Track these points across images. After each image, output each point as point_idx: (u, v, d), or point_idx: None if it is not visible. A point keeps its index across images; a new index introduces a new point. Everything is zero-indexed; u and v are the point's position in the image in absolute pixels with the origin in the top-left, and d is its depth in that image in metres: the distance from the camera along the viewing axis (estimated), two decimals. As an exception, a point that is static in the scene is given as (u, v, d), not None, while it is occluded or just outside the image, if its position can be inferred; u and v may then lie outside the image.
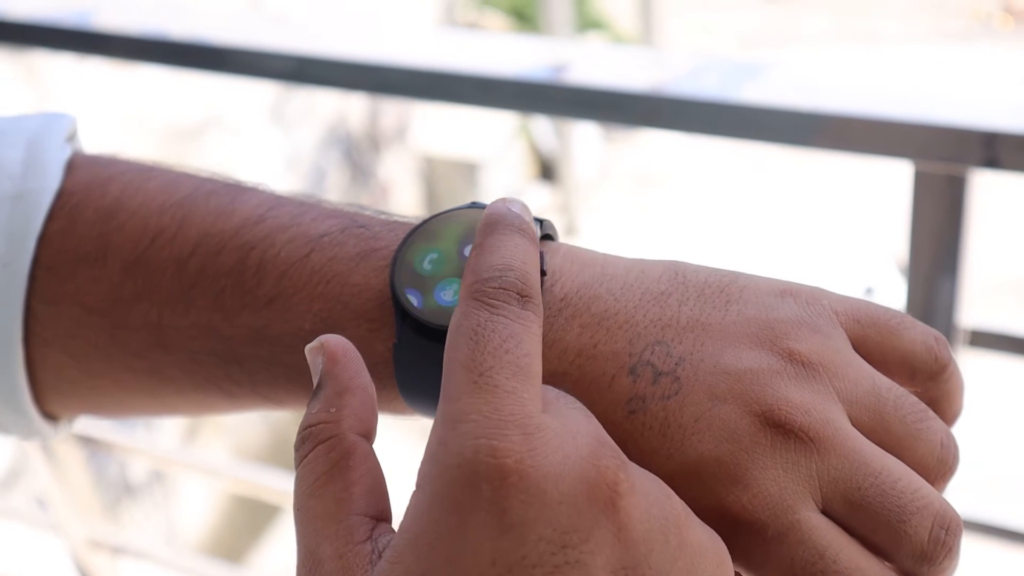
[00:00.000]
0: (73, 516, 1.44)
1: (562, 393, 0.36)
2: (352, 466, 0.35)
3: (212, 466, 1.42)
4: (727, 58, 0.83)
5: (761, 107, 0.77)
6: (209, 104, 4.08)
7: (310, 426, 0.36)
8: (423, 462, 0.33)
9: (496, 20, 6.44)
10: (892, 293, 4.25)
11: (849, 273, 4.65)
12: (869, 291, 4.34)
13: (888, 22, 6.97)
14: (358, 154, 5.20)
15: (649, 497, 0.33)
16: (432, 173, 5.69)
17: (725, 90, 0.79)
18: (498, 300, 0.36)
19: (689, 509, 0.35)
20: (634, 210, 5.99)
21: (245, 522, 4.02)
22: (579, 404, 0.35)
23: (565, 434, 0.33)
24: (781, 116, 0.77)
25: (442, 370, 0.35)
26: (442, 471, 0.32)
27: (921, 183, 0.77)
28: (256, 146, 4.43)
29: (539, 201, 6.11)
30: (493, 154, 5.66)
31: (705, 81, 0.80)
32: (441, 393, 0.34)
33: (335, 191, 5.03)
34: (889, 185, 4.91)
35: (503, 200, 0.40)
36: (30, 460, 1.43)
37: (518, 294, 0.36)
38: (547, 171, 6.20)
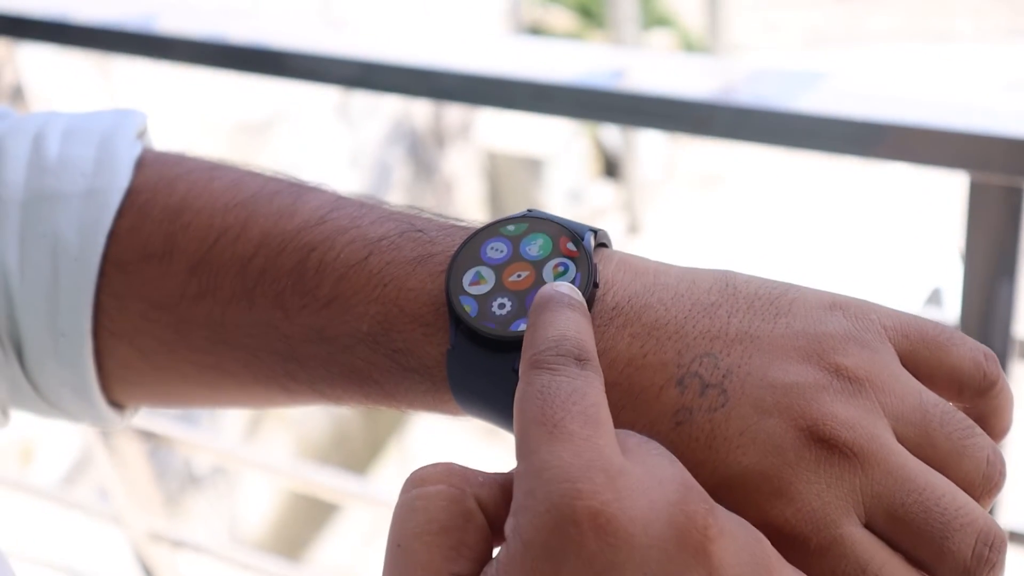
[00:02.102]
0: (134, 509, 1.46)
1: (645, 439, 0.36)
2: (469, 529, 0.35)
3: (272, 464, 1.44)
4: (785, 67, 0.82)
5: (818, 116, 0.77)
6: (276, 100, 4.12)
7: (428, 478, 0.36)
8: (509, 517, 0.33)
9: (561, 17, 6.43)
10: (959, 293, 4.19)
11: (917, 273, 4.60)
12: (937, 291, 4.29)
13: (960, 20, 6.87)
14: (422, 150, 5.23)
15: (739, 541, 0.34)
16: (496, 169, 5.70)
17: (780, 98, 0.78)
18: (557, 364, 0.37)
19: (778, 553, 0.35)
20: (698, 209, 5.96)
21: (308, 513, 4.06)
22: (663, 450, 0.36)
23: (650, 479, 0.33)
24: (837, 125, 0.76)
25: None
26: (531, 519, 0.32)
27: (977, 194, 0.76)
28: (322, 142, 4.47)
29: (603, 199, 6.10)
30: (557, 151, 5.66)
31: (763, 89, 0.80)
32: (517, 452, 0.35)
33: (399, 187, 5.05)
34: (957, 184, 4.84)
35: (551, 284, 0.41)
36: (94, 454, 1.45)
37: (576, 358, 0.37)
38: (611, 168, 6.19)
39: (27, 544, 2.01)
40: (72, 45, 1.02)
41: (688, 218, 5.96)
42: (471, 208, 5.61)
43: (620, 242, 5.79)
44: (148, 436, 1.41)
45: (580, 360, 0.37)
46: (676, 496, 0.33)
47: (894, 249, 5.07)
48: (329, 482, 1.39)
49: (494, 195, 5.75)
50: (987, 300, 0.79)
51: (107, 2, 1.01)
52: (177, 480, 3.53)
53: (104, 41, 0.99)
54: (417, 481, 0.36)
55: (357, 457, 4.36)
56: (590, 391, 0.36)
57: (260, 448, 3.66)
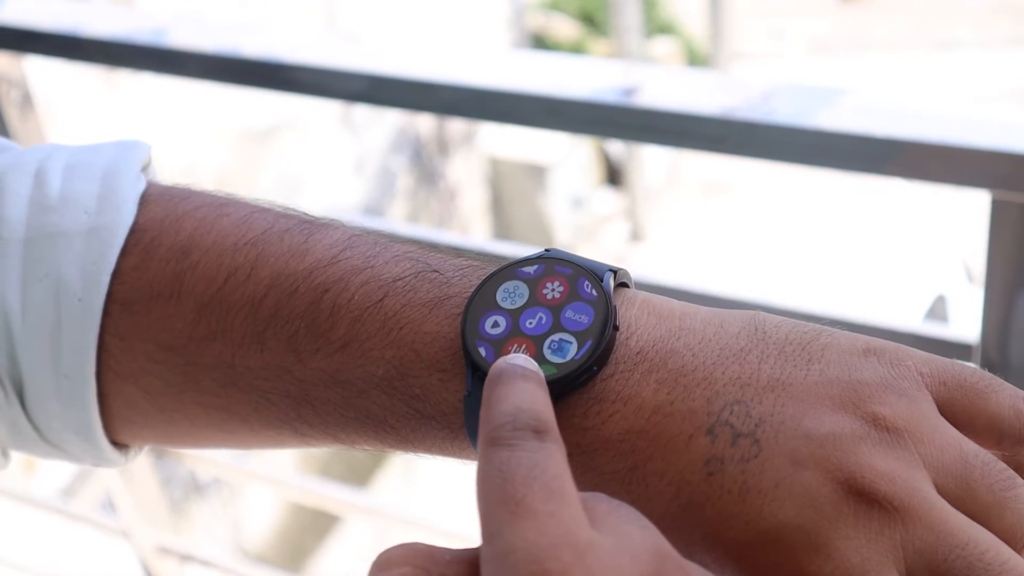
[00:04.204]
0: (141, 522, 1.46)
1: (616, 504, 0.35)
2: None
3: (275, 477, 1.43)
4: (799, 83, 0.82)
5: (835, 133, 0.76)
6: (281, 108, 4.12)
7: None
8: None
9: (565, 26, 6.43)
10: (964, 301, 4.19)
11: (921, 280, 4.59)
12: (941, 299, 4.28)
13: (963, 28, 6.87)
14: (426, 157, 5.23)
15: None
16: (499, 177, 5.70)
17: (796, 115, 0.77)
18: (515, 439, 0.35)
19: None
20: (702, 216, 5.95)
21: (312, 523, 4.05)
22: (635, 514, 0.34)
23: (620, 552, 0.32)
24: (855, 143, 0.75)
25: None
26: None
27: (999, 211, 0.75)
28: (326, 150, 4.47)
29: (606, 206, 6.10)
30: (560, 158, 5.66)
31: (776, 106, 0.79)
32: (482, 534, 0.33)
33: (403, 194, 5.05)
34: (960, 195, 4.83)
35: (504, 357, 0.40)
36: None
37: (533, 431, 0.35)
38: (614, 175, 6.19)
39: (32, 557, 2.01)
40: (83, 59, 1.01)
41: (691, 225, 5.95)
42: (475, 215, 5.60)
43: (623, 249, 5.78)
44: (154, 449, 1.41)
45: (538, 432, 0.35)
46: (649, 568, 0.32)
47: (897, 257, 5.06)
48: (332, 494, 1.39)
49: (497, 202, 5.75)
50: (1008, 316, 0.78)
51: (117, 16, 1.00)
52: (181, 489, 3.53)
53: (115, 55, 0.98)
54: (382, 564, 0.34)
55: (360, 466, 4.35)
56: (551, 463, 0.34)
57: (264, 458, 3.66)
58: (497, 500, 0.33)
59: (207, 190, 0.52)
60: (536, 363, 0.40)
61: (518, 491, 0.33)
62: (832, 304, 0.90)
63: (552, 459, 0.34)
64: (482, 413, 0.37)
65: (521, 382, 0.38)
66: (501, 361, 0.39)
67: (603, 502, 0.35)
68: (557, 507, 0.33)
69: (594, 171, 6.10)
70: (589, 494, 0.35)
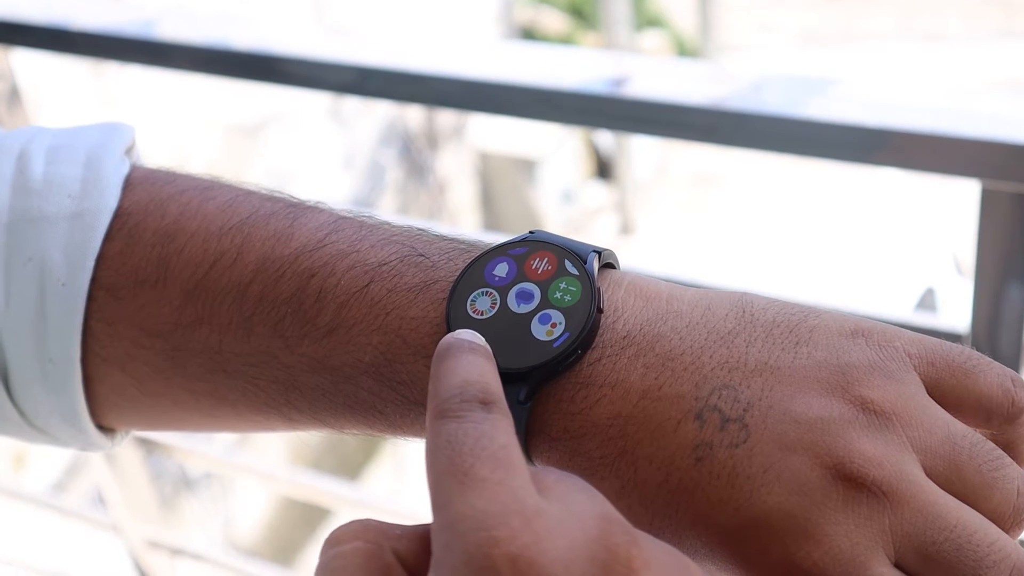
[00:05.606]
0: (131, 516, 1.45)
1: (564, 474, 0.35)
2: None
3: (266, 471, 1.43)
4: (790, 73, 0.81)
5: (826, 123, 0.76)
6: (270, 102, 4.11)
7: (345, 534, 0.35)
8: (429, 573, 0.33)
9: (554, 18, 6.42)
10: (953, 293, 4.20)
11: (910, 272, 4.60)
12: (930, 291, 4.29)
13: (952, 20, 6.88)
14: (416, 151, 5.22)
15: (666, 570, 0.33)
16: (489, 170, 5.69)
17: (787, 105, 0.77)
18: (463, 411, 0.35)
19: None
20: (691, 209, 5.96)
21: (303, 516, 4.05)
22: (583, 484, 0.35)
23: (568, 518, 0.32)
24: (846, 133, 0.75)
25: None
26: (450, 574, 0.31)
27: (988, 201, 0.75)
28: (315, 144, 4.46)
29: (595, 199, 6.09)
30: (550, 151, 5.65)
31: (767, 96, 0.79)
32: (432, 505, 0.34)
33: (392, 188, 5.05)
34: (955, 182, 4.84)
35: (451, 333, 0.40)
36: (88, 459, 1.44)
37: (480, 402, 0.36)
38: (604, 169, 6.19)
39: (22, 552, 2.00)
40: (71, 52, 1.01)
41: (681, 218, 5.96)
42: (464, 209, 5.60)
43: (613, 243, 5.79)
44: (143, 442, 1.40)
45: (485, 404, 0.36)
46: (596, 532, 0.32)
47: (887, 249, 5.07)
48: (322, 487, 1.39)
49: (487, 196, 5.75)
50: (997, 307, 0.78)
51: (106, 9, 1.00)
52: (171, 483, 3.52)
53: (103, 48, 0.98)
54: (333, 541, 0.35)
55: (351, 460, 4.35)
56: (498, 434, 0.34)
57: (254, 452, 3.65)
58: (446, 471, 0.33)
59: (191, 173, 0.52)
60: (483, 337, 0.40)
61: (466, 461, 0.33)
62: (823, 295, 0.90)
63: (499, 430, 0.35)
64: (430, 387, 0.37)
65: (468, 355, 0.38)
66: (449, 336, 0.39)
67: (551, 473, 0.35)
68: (505, 476, 0.33)
69: (584, 164, 6.09)
70: (538, 467, 0.36)
